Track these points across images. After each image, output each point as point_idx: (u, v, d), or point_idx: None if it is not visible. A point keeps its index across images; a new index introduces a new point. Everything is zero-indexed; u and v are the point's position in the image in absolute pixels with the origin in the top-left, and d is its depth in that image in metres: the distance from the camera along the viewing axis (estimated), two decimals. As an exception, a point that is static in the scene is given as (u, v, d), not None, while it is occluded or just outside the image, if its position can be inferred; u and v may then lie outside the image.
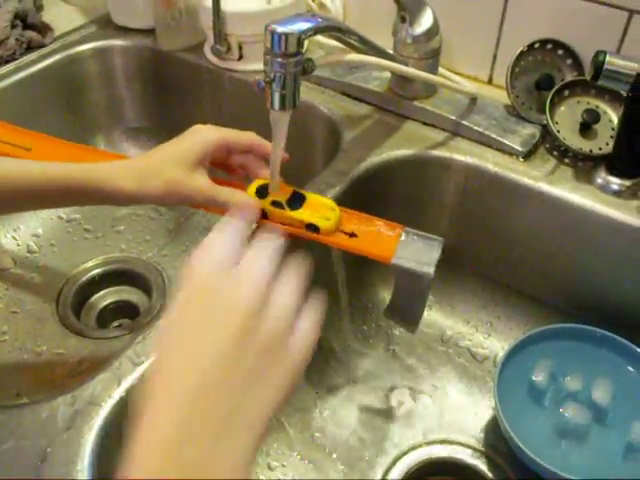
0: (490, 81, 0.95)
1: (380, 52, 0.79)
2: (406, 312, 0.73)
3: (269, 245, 0.51)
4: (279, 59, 0.63)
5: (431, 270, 0.68)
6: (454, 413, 0.83)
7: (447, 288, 0.91)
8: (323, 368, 0.84)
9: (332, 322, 0.86)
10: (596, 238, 0.79)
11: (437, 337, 0.90)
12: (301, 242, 0.65)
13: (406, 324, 0.74)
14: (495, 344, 0.88)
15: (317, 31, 0.68)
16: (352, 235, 0.70)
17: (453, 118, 0.85)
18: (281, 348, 0.44)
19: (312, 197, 0.69)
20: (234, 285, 0.45)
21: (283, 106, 0.66)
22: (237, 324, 0.43)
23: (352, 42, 0.76)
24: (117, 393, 0.59)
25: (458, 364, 0.87)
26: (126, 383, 0.60)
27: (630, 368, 0.79)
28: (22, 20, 1.03)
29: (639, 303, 0.81)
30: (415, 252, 0.69)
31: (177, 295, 0.45)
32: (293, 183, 0.76)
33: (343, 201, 0.75)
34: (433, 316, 0.91)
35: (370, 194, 0.82)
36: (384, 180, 0.83)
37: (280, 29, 0.62)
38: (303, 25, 0.64)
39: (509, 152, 0.83)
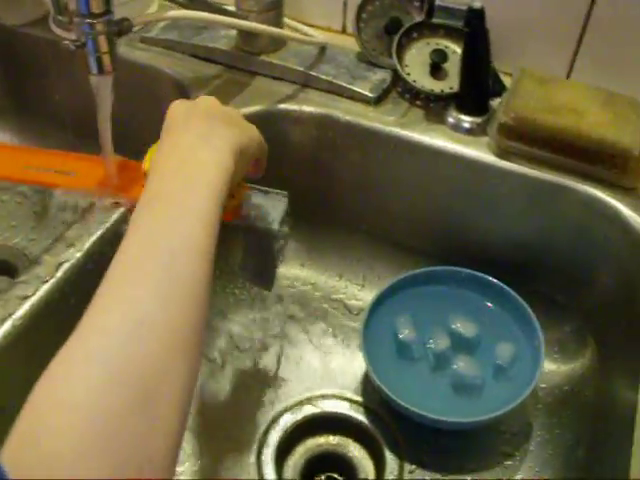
0: (344, 30, 0.93)
1: (215, 8, 0.76)
2: (259, 271, 0.72)
3: None
4: (88, 20, 0.61)
5: (275, 226, 0.67)
6: (332, 367, 0.82)
7: (317, 243, 0.90)
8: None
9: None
10: (452, 178, 0.79)
11: (310, 293, 0.89)
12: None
13: (260, 283, 0.73)
14: (369, 295, 0.86)
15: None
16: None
17: (301, 69, 0.83)
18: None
19: None
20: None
21: (101, 70, 0.63)
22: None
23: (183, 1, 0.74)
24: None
25: (333, 318, 0.86)
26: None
27: (489, 304, 0.81)
28: None
29: (500, 240, 0.82)
30: (260, 209, 0.68)
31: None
32: (141, 153, 0.75)
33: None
34: (305, 272, 0.90)
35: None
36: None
37: (84, -12, 0.60)
38: (109, -19, 0.61)
39: (360, 99, 0.81)
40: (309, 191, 0.85)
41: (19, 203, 1.00)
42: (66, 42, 0.61)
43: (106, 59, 0.63)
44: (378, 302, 0.79)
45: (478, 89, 0.77)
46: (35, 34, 0.96)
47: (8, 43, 0.99)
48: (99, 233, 0.67)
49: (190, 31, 0.89)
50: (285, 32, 0.82)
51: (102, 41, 0.62)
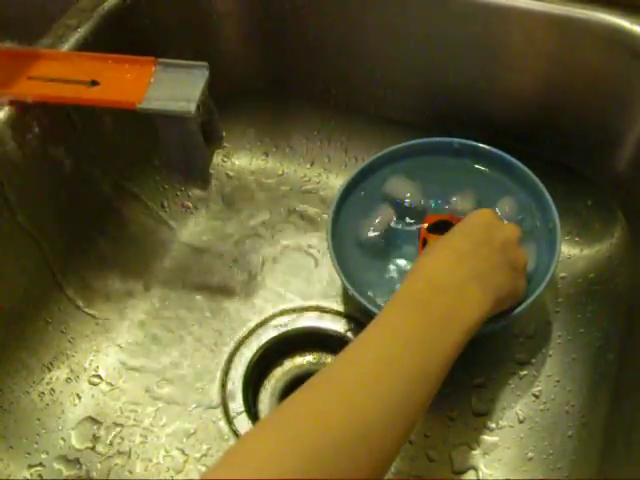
0: None
1: None
2: (188, 168, 0.58)
3: None
4: None
5: (192, 107, 0.52)
6: (307, 274, 0.69)
7: (281, 126, 0.76)
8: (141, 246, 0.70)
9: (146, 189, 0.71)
10: (434, 25, 0.64)
11: (277, 186, 0.75)
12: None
13: (193, 182, 0.59)
14: (346, 181, 0.73)
15: None
16: (93, 83, 0.55)
17: None
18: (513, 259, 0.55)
19: None
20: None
21: None
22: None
23: None
24: None
25: (306, 214, 0.73)
26: None
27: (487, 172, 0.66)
28: None
29: (498, 99, 0.67)
30: (173, 88, 0.54)
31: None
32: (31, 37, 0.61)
33: (93, 47, 0.60)
34: (270, 163, 0.76)
35: (134, 33, 0.65)
36: (150, 10, 0.65)
37: None
38: None
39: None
40: (260, 67, 0.71)
41: None
42: None
43: None
44: (345, 194, 0.64)
45: None
46: None
47: None
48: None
49: None
50: None
51: None
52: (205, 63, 0.54)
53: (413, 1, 0.62)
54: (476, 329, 0.48)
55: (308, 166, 0.76)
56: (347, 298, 0.66)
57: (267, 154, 0.76)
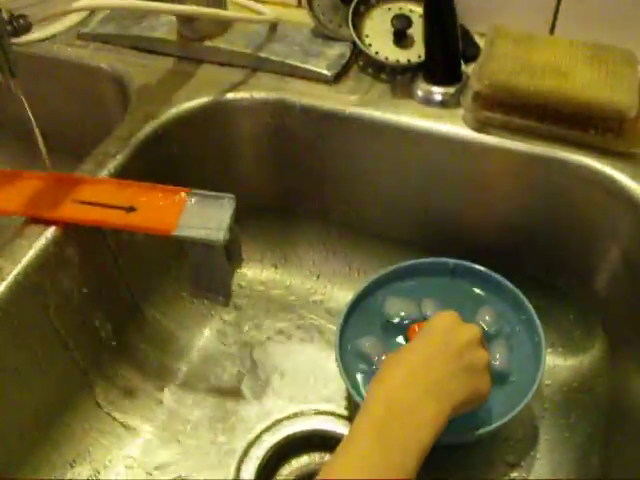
0: (300, 3, 0.83)
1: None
2: (212, 286, 0.64)
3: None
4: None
5: (221, 235, 0.59)
6: (314, 379, 0.74)
7: (289, 241, 0.82)
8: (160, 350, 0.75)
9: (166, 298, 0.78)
10: (426, 159, 0.71)
11: (285, 297, 0.81)
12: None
13: (215, 298, 0.65)
14: (349, 295, 0.77)
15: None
16: (130, 209, 0.61)
17: (249, 52, 0.74)
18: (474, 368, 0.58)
19: None
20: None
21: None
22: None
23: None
24: None
25: (312, 324, 0.78)
26: None
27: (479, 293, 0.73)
28: None
29: (487, 223, 0.74)
30: (203, 216, 0.60)
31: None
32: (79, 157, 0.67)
33: (129, 172, 0.66)
34: (279, 274, 0.82)
35: (164, 158, 0.71)
36: (179, 139, 0.72)
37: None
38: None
39: (316, 78, 0.72)
40: (273, 186, 0.77)
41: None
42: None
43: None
44: (351, 310, 0.71)
45: (446, 54, 0.68)
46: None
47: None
48: (25, 261, 0.59)
49: (128, 22, 0.80)
50: (227, 13, 0.73)
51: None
52: (232, 195, 0.60)
53: (409, 138, 0.69)
54: (433, 442, 0.51)
55: (315, 279, 0.82)
56: (352, 403, 0.70)
57: (276, 266, 0.83)
